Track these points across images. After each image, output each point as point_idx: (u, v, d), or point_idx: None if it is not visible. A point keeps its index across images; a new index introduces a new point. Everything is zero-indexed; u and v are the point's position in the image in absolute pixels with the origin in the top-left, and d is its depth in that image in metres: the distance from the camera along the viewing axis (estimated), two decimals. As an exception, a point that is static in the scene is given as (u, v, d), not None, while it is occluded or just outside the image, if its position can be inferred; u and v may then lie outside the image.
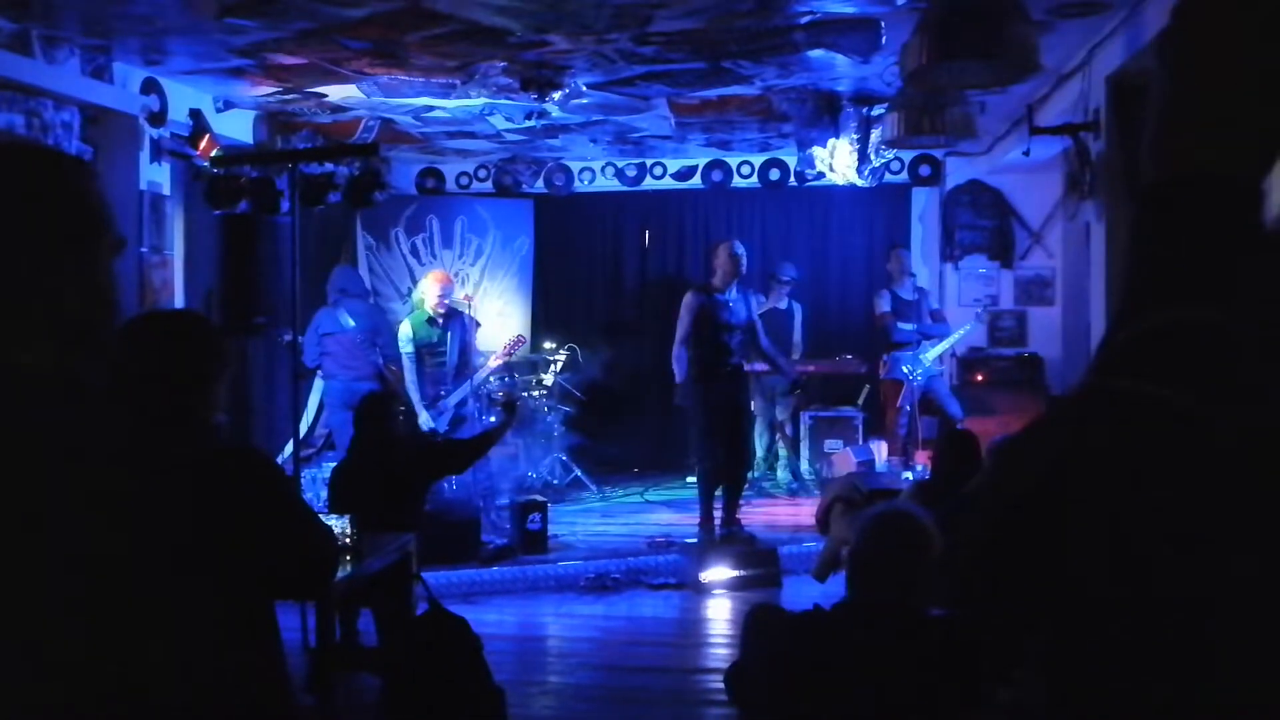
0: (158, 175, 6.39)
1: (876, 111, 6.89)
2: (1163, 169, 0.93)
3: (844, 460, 8.21)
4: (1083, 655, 0.90)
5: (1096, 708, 0.89)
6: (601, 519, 7.95)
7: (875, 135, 7.02)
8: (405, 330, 7.36)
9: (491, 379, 7.71)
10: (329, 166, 6.12)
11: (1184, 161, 0.92)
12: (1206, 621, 0.83)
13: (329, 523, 3.64)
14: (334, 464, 5.70)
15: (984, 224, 9.43)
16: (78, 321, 1.38)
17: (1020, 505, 0.92)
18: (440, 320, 7.31)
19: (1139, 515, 0.85)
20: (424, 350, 7.34)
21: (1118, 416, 0.87)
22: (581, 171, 9.94)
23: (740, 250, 6.72)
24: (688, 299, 6.80)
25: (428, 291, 7.33)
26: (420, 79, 6.41)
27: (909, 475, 7.10)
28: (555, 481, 8.68)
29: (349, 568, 3.76)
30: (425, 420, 7.22)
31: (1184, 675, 0.84)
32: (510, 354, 7.65)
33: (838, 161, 7.39)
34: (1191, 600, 0.84)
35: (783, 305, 9.03)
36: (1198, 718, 0.84)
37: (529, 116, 7.29)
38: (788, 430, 9.01)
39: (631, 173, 9.96)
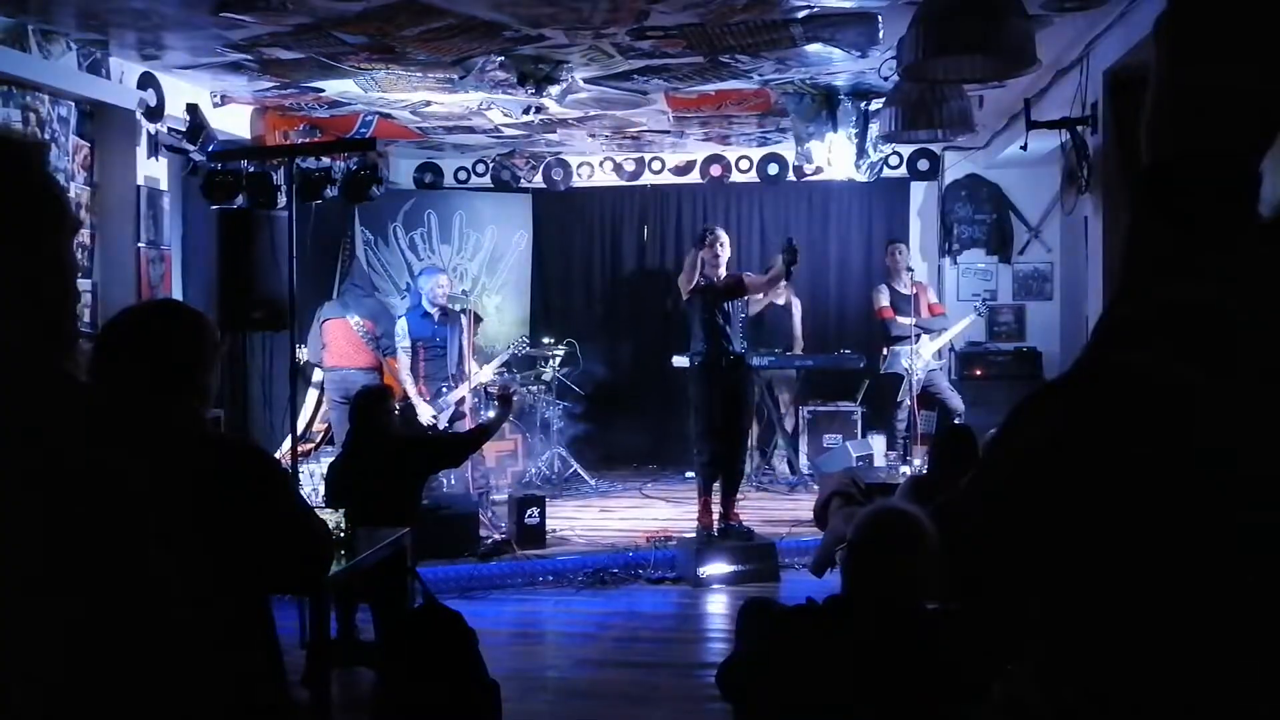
0: (155, 170, 6.39)
1: (874, 106, 6.88)
2: (1160, 149, 0.94)
3: (842, 455, 8.21)
4: (1081, 636, 0.89)
5: (1097, 690, 0.89)
6: (600, 513, 7.96)
7: (873, 130, 7.02)
8: (401, 326, 7.45)
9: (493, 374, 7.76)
10: (326, 161, 6.10)
11: (1181, 141, 0.92)
12: (1206, 591, 0.83)
13: (325, 517, 3.65)
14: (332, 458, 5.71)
15: (982, 218, 9.44)
16: (53, 309, 1.38)
17: (1020, 479, 0.92)
18: (436, 317, 7.39)
19: (1137, 483, 0.85)
20: (419, 345, 7.41)
21: (1116, 388, 0.88)
22: (580, 166, 9.93)
23: (718, 236, 6.72)
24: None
25: (423, 288, 7.44)
26: (418, 74, 6.41)
27: (906, 470, 7.11)
28: (553, 476, 8.69)
29: (343, 562, 3.76)
30: (427, 413, 7.26)
31: (1185, 651, 0.84)
32: (511, 356, 7.77)
33: (836, 156, 7.38)
34: (1191, 570, 0.84)
35: (780, 301, 9.04)
36: (1200, 692, 0.84)
37: (527, 111, 7.28)
38: (786, 424, 9.01)
39: (630, 167, 9.96)
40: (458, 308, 7.63)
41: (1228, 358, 0.85)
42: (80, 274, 6.00)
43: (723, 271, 6.65)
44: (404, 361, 7.37)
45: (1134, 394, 0.87)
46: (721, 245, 6.62)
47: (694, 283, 6.56)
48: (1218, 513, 0.83)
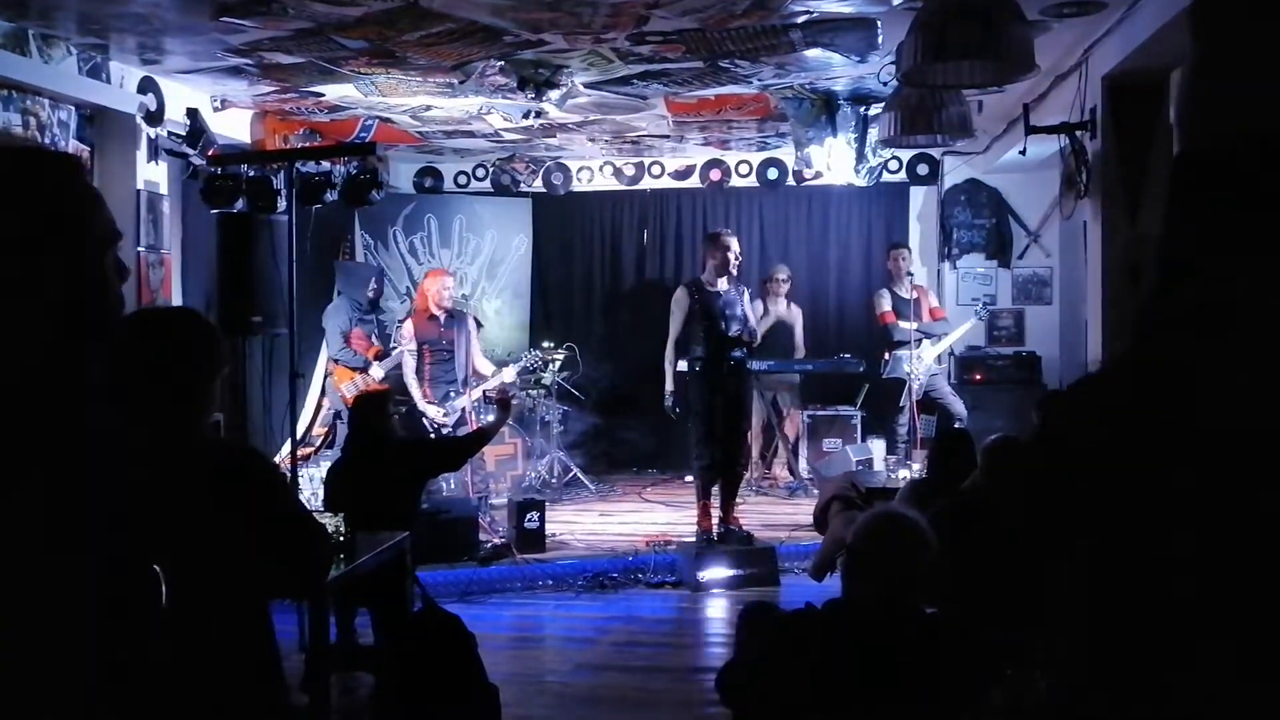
0: (154, 174, 6.39)
1: (873, 111, 6.89)
2: (1196, 135, 0.94)
3: (842, 459, 8.21)
4: (1115, 624, 0.91)
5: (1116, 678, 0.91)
6: (599, 518, 7.96)
7: (872, 134, 7.02)
8: (407, 328, 7.48)
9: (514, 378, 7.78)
10: (326, 166, 6.11)
11: (1217, 125, 0.92)
12: (1229, 575, 0.85)
13: (324, 521, 3.66)
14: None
15: (981, 223, 9.45)
16: (70, 310, 1.38)
17: (1063, 471, 0.94)
18: (441, 319, 7.42)
19: (1163, 471, 0.86)
20: (425, 347, 7.43)
21: (1146, 381, 0.89)
22: (579, 170, 9.94)
23: (731, 242, 6.72)
24: (677, 295, 6.82)
25: (428, 290, 7.45)
26: (417, 78, 6.42)
27: (905, 474, 7.11)
28: (553, 480, 8.68)
29: (342, 566, 3.76)
30: (436, 414, 7.30)
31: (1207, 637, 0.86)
32: (525, 366, 7.85)
33: (835, 161, 7.39)
34: (1214, 556, 0.85)
35: (781, 307, 9.04)
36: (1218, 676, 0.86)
37: (526, 116, 7.29)
38: (786, 428, 9.01)
39: (629, 171, 9.97)
40: (462, 310, 7.65)
41: (1253, 349, 0.86)
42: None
43: (724, 282, 6.66)
44: (409, 364, 7.40)
45: (1161, 386, 0.88)
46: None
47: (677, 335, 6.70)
48: (1238, 500, 0.84)
